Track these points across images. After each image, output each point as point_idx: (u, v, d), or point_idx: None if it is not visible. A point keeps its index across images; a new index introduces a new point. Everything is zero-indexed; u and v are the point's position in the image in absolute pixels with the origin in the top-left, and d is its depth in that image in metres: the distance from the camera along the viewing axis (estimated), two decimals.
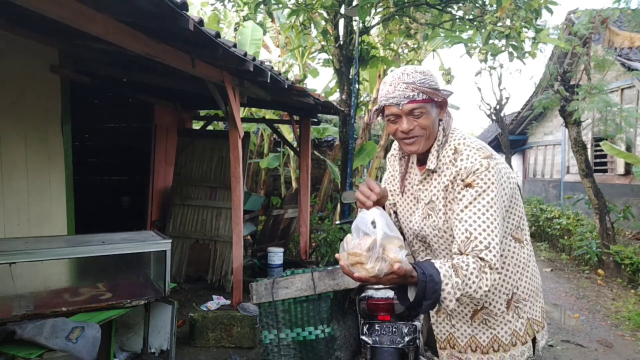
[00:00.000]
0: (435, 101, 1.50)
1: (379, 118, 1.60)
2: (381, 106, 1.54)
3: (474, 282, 1.34)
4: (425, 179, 1.61)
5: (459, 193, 1.47)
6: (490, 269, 1.37)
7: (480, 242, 1.38)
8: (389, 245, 1.28)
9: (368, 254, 1.25)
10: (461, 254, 1.40)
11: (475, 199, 1.43)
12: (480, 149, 1.50)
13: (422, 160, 1.64)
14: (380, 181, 1.81)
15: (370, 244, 1.25)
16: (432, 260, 1.38)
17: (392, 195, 1.77)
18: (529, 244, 1.66)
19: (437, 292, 1.30)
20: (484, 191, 1.43)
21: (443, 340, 1.71)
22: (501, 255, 1.48)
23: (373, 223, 1.32)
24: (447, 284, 1.31)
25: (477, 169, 1.44)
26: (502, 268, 1.55)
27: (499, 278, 1.53)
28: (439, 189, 1.55)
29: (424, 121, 1.50)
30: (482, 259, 1.36)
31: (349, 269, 1.29)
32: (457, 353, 1.66)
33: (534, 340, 1.64)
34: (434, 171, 1.57)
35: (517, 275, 1.59)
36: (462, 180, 1.46)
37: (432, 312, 1.70)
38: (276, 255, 5.65)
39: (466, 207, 1.43)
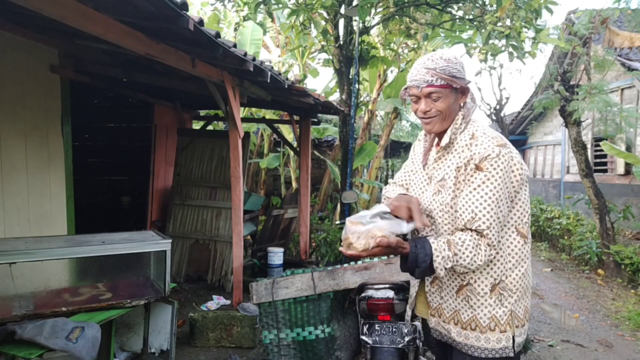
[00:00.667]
0: (454, 87, 1.65)
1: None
2: (407, 87, 1.72)
3: (467, 256, 1.56)
4: (440, 157, 1.75)
5: (470, 176, 1.61)
6: (489, 246, 1.57)
7: (483, 223, 1.56)
8: (377, 229, 1.56)
9: (354, 235, 1.57)
10: (464, 230, 1.61)
11: (483, 182, 1.58)
12: (495, 137, 1.64)
13: (438, 139, 1.80)
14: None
15: (357, 227, 1.57)
16: (429, 237, 1.65)
17: (408, 175, 1.94)
18: (530, 243, 1.73)
19: (426, 262, 1.56)
20: (492, 176, 1.57)
21: (433, 309, 1.83)
22: (501, 239, 1.64)
23: (364, 216, 1.61)
24: (437, 255, 1.57)
25: (489, 155, 1.58)
26: (497, 253, 1.64)
27: (490, 260, 1.64)
28: (451, 168, 1.68)
29: (440, 104, 1.66)
30: (483, 236, 1.57)
31: (345, 250, 1.59)
32: (442, 322, 1.79)
33: (513, 339, 1.68)
34: (448, 152, 1.72)
35: (510, 265, 1.67)
36: (475, 164, 1.60)
37: (427, 282, 1.83)
38: (276, 255, 5.65)
39: (474, 189, 1.59)
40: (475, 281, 1.68)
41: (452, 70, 1.63)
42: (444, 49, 9.77)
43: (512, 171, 1.62)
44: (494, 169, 1.58)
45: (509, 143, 1.66)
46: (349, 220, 1.63)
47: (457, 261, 1.56)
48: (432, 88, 1.64)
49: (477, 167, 1.59)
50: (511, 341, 1.67)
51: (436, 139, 1.82)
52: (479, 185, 1.58)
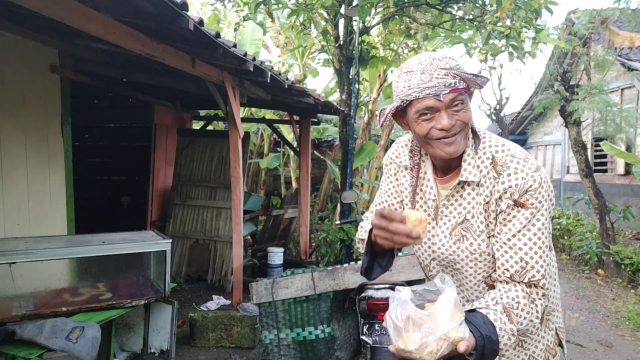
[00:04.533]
0: (470, 92, 1.27)
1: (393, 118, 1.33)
2: (408, 101, 1.24)
3: (525, 318, 1.23)
4: (457, 192, 1.35)
5: (508, 214, 1.26)
6: (544, 296, 1.26)
7: (538, 272, 1.24)
8: (454, 321, 1.07)
9: (420, 348, 1.04)
10: (508, 282, 1.27)
11: (529, 221, 1.24)
12: (527, 159, 1.27)
13: (443, 169, 1.38)
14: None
15: (421, 336, 1.05)
16: (481, 308, 1.21)
17: (397, 209, 1.52)
18: (553, 249, 1.48)
19: (495, 352, 1.16)
20: (538, 211, 1.24)
21: None
22: None
23: (418, 302, 1.13)
24: (503, 336, 1.18)
25: (531, 186, 1.24)
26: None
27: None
28: (475, 207, 1.32)
29: (465, 114, 1.24)
30: (538, 287, 1.26)
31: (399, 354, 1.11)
32: None
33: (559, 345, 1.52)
34: (466, 183, 1.32)
35: (551, 286, 1.42)
36: (514, 200, 1.24)
37: None
38: (276, 255, 5.65)
39: (519, 231, 1.25)
40: None
41: (464, 68, 1.25)
42: (443, 48, 9.78)
43: (551, 197, 1.29)
44: (539, 202, 1.24)
45: (533, 159, 1.32)
46: (392, 316, 1.09)
47: (519, 330, 1.22)
48: (455, 93, 1.21)
49: (517, 203, 1.24)
50: (558, 356, 1.49)
51: (426, 168, 1.41)
52: (524, 227, 1.24)
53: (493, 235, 1.30)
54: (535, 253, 1.24)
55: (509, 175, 1.25)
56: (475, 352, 1.11)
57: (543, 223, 1.25)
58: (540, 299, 1.25)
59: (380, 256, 1.37)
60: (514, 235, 1.25)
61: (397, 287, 1.18)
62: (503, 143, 1.32)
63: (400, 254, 2.87)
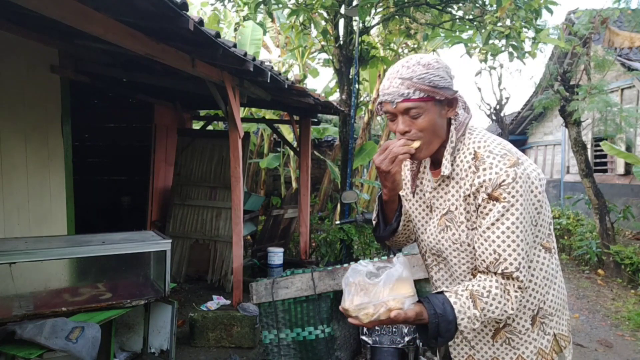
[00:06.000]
0: (437, 99, 1.32)
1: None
2: (379, 101, 1.39)
3: (497, 308, 1.29)
4: (439, 185, 1.45)
5: (484, 207, 1.32)
6: (519, 289, 1.31)
7: (511, 264, 1.29)
8: (394, 292, 1.24)
9: (356, 308, 1.25)
10: (487, 272, 1.34)
11: (502, 215, 1.29)
12: (505, 155, 1.33)
13: (436, 163, 1.48)
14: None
15: (361, 299, 1.25)
16: (447, 292, 1.31)
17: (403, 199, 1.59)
18: (556, 252, 1.50)
19: (451, 331, 1.26)
20: (512, 205, 1.29)
21: None
22: (529, 268, 1.38)
23: (369, 274, 1.29)
24: (462, 318, 1.27)
25: (504, 181, 1.29)
26: (530, 282, 1.40)
27: (526, 294, 1.42)
28: (457, 199, 1.39)
29: (421, 122, 1.33)
30: (512, 278, 1.31)
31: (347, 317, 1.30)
32: None
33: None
34: (450, 177, 1.42)
35: (545, 288, 1.44)
36: (488, 194, 1.31)
37: None
38: (276, 255, 5.65)
39: (493, 224, 1.31)
40: (513, 320, 1.43)
41: (433, 78, 1.30)
42: (443, 49, 9.78)
43: (532, 191, 1.32)
44: (512, 196, 1.28)
45: (521, 155, 1.37)
46: (348, 281, 1.30)
47: (485, 316, 1.29)
48: (409, 103, 1.31)
49: (491, 197, 1.30)
50: None
51: (429, 161, 1.51)
52: (497, 220, 1.29)
53: (475, 228, 1.37)
54: (509, 246, 1.29)
55: (484, 170, 1.32)
56: (429, 326, 1.25)
57: (517, 217, 1.29)
58: (516, 291, 1.30)
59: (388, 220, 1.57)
60: (488, 228, 1.31)
61: (360, 261, 1.37)
62: (487, 140, 1.38)
63: (403, 253, 2.87)
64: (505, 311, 1.30)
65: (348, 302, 1.27)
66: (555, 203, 12.26)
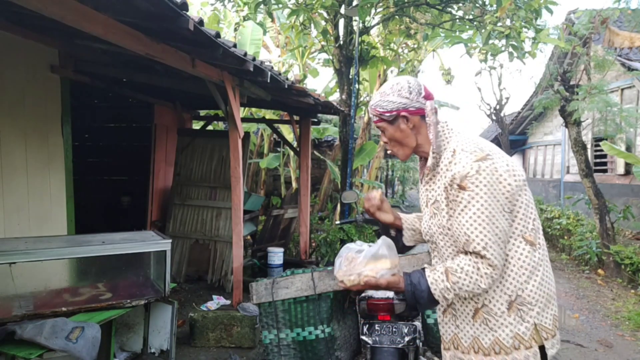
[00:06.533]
0: (399, 116, 1.65)
1: None
2: None
3: (469, 282, 1.51)
4: (431, 179, 1.70)
5: (456, 197, 1.55)
6: (490, 266, 1.50)
7: (478, 244, 1.50)
8: (370, 265, 1.63)
9: (342, 275, 1.68)
10: (464, 253, 1.56)
11: (469, 202, 1.52)
12: (474, 152, 1.55)
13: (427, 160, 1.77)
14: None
15: (346, 268, 1.68)
16: (427, 268, 1.60)
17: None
18: (543, 249, 1.63)
19: (424, 298, 1.56)
20: (477, 194, 1.50)
21: (447, 341, 1.73)
22: (507, 255, 1.57)
23: (358, 251, 1.68)
24: (435, 289, 1.55)
25: (468, 173, 1.51)
26: (507, 268, 1.57)
27: (501, 277, 1.58)
28: (440, 189, 1.63)
29: (387, 136, 1.71)
30: (482, 257, 1.50)
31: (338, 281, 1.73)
32: (460, 354, 1.66)
33: (542, 348, 1.61)
34: (436, 172, 1.67)
35: (524, 277, 1.57)
36: (457, 184, 1.54)
37: (438, 312, 1.77)
38: (276, 255, 5.65)
39: (462, 210, 1.53)
40: (490, 301, 1.59)
41: (383, 104, 1.65)
42: (443, 48, 9.76)
43: (500, 182, 1.52)
44: (477, 186, 1.50)
45: (493, 152, 1.57)
46: (341, 255, 1.72)
47: (459, 289, 1.52)
48: (378, 124, 1.70)
49: (460, 187, 1.53)
50: (539, 356, 1.60)
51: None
52: (465, 206, 1.52)
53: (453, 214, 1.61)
54: (475, 229, 1.51)
55: (455, 164, 1.56)
56: (406, 293, 1.60)
57: (482, 204, 1.50)
58: (487, 268, 1.50)
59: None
60: (459, 214, 1.55)
61: (357, 242, 1.76)
62: (466, 140, 1.62)
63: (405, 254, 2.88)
64: (478, 285, 1.51)
65: (337, 271, 1.70)
66: (555, 203, 12.26)
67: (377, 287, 1.60)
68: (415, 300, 1.58)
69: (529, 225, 1.58)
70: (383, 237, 1.67)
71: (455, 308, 1.67)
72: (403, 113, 1.64)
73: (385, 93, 1.66)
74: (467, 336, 1.64)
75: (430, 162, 1.65)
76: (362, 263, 1.63)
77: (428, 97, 1.67)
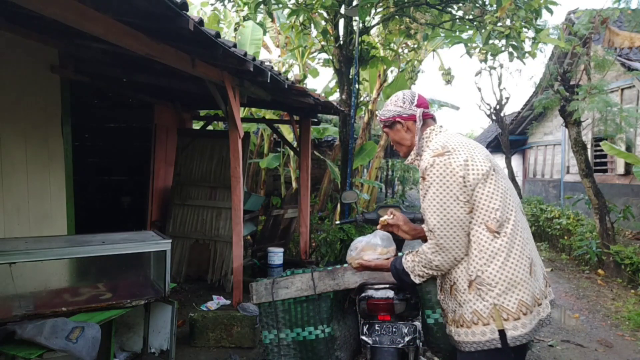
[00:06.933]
0: (395, 122, 2.04)
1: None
2: None
3: (423, 258, 1.89)
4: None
5: (421, 187, 1.90)
6: (436, 245, 1.82)
7: (428, 225, 1.84)
8: (368, 251, 2.25)
9: (351, 260, 2.33)
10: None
11: (426, 191, 1.84)
12: (436, 149, 1.86)
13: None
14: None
15: (353, 254, 2.31)
16: (408, 252, 2.02)
17: None
18: (509, 238, 1.77)
19: (400, 271, 2.02)
20: (431, 184, 1.81)
21: (446, 315, 2.00)
22: (470, 240, 1.81)
23: (361, 241, 2.29)
24: (407, 267, 1.98)
25: (426, 166, 1.84)
26: (469, 251, 1.82)
27: (467, 258, 1.82)
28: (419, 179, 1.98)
29: (391, 138, 2.13)
30: (432, 232, 1.83)
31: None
32: (448, 325, 1.95)
33: (502, 332, 1.74)
34: (419, 166, 1.99)
35: (483, 260, 1.77)
36: (421, 176, 1.89)
37: (438, 291, 2.04)
38: (276, 255, 5.65)
39: (423, 197, 1.88)
40: (457, 280, 1.85)
41: (384, 113, 2.07)
42: (443, 48, 9.75)
43: (453, 175, 1.77)
44: (430, 177, 1.81)
45: (455, 150, 1.81)
46: (353, 245, 2.34)
47: (420, 262, 1.91)
48: (383, 129, 2.14)
49: (422, 178, 1.87)
50: (497, 334, 1.73)
51: None
52: (425, 194, 1.85)
53: None
54: (429, 212, 1.83)
55: (422, 160, 1.91)
56: (391, 271, 2.11)
57: (434, 192, 1.80)
58: (434, 247, 1.83)
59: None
60: (422, 200, 1.89)
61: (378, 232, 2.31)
62: (438, 139, 1.92)
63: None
64: (431, 260, 1.85)
65: (350, 257, 2.32)
66: (555, 203, 12.25)
67: (368, 268, 2.22)
68: (400, 279, 2.03)
69: (492, 215, 1.77)
70: (378, 230, 2.19)
71: (444, 286, 1.95)
72: (397, 119, 2.03)
73: (387, 104, 2.08)
74: (449, 310, 1.93)
75: (409, 158, 2.04)
76: (362, 249, 2.22)
77: (420, 105, 2.01)
